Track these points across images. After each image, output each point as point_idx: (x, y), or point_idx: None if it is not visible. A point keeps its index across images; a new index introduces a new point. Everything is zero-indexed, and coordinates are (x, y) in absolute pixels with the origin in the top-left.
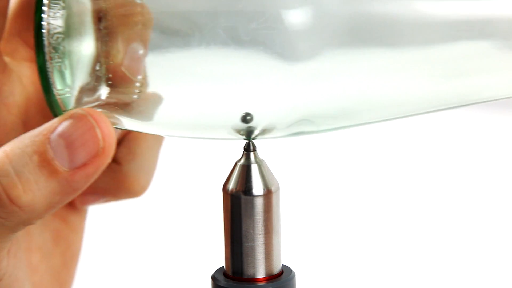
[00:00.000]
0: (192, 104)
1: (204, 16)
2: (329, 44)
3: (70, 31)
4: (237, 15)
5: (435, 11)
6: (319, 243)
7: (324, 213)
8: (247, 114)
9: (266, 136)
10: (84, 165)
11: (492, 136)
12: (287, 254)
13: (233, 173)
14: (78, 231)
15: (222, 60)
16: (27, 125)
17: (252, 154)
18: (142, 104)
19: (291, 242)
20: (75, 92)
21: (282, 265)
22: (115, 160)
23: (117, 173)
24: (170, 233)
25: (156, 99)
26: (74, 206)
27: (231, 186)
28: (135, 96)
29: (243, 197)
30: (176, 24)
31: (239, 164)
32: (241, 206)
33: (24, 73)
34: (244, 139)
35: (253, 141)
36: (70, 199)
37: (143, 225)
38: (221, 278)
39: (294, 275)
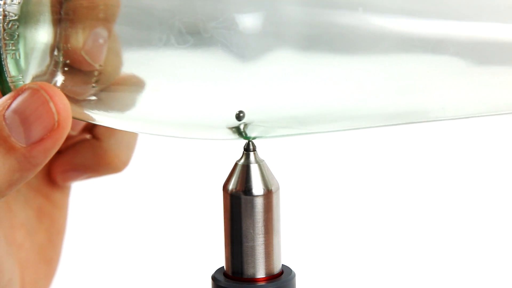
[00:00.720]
0: (148, 98)
1: (166, 11)
2: (280, 48)
3: (26, 18)
4: (198, 13)
5: (390, 25)
6: (319, 243)
7: (324, 213)
8: (240, 111)
9: (207, 137)
10: (41, 140)
11: (492, 136)
12: (287, 254)
13: (233, 173)
14: (61, 208)
15: (181, 57)
16: None
17: (252, 154)
18: (100, 96)
19: (291, 242)
20: (29, 79)
21: (282, 265)
22: (95, 136)
23: (97, 149)
24: (170, 233)
25: (117, 93)
26: (56, 183)
27: (231, 186)
28: (92, 85)
29: (243, 197)
30: (139, 17)
31: (239, 164)
32: (241, 206)
33: None
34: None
35: (253, 141)
36: (31, 175)
37: (143, 225)
38: (221, 278)
39: (294, 275)
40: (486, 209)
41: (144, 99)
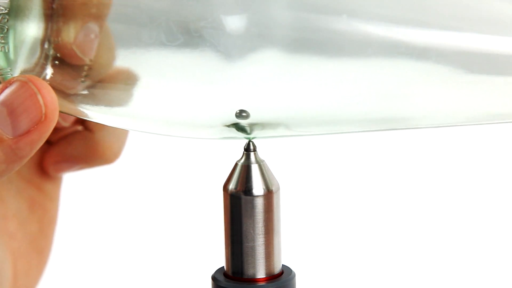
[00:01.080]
0: (138, 95)
1: (157, 10)
2: (267, 50)
3: (16, 11)
4: (188, 12)
5: (376, 30)
6: (319, 243)
7: (324, 213)
8: (242, 111)
9: (194, 136)
10: (27, 132)
11: (491, 137)
12: (287, 254)
13: (234, 173)
14: (53, 199)
15: (170, 55)
16: None
17: (252, 154)
18: (90, 90)
19: (291, 242)
20: (18, 72)
21: (282, 265)
22: (87, 128)
23: (90, 140)
24: (170, 233)
25: (107, 88)
26: (48, 174)
27: (231, 186)
28: (81, 80)
29: (243, 197)
30: (130, 14)
31: (239, 164)
32: (241, 206)
33: None
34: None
35: (253, 140)
36: (17, 167)
37: (143, 225)
38: (221, 278)
39: (294, 275)
40: (486, 209)
41: (134, 96)
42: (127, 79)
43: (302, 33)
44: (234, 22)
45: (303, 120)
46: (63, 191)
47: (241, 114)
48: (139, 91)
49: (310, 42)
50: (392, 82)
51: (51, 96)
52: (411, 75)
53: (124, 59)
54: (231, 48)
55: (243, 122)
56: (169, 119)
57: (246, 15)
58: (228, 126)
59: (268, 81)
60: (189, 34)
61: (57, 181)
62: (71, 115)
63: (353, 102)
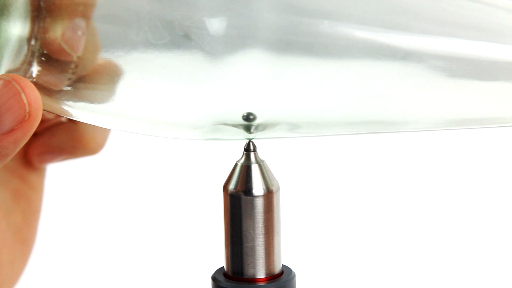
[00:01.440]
0: (123, 93)
1: (144, 7)
2: (250, 51)
3: (2, 9)
4: (174, 11)
5: (360, 32)
6: (319, 243)
7: (324, 213)
8: (250, 113)
9: (177, 137)
10: (11, 130)
11: (491, 137)
12: (287, 254)
13: (234, 173)
14: (37, 189)
15: (156, 53)
16: None
17: (252, 154)
18: (76, 86)
19: (291, 242)
20: (5, 70)
21: (282, 265)
22: (71, 119)
23: (74, 131)
24: (170, 233)
25: (92, 84)
26: (33, 165)
27: (231, 186)
28: (68, 77)
29: (243, 197)
30: (117, 11)
31: (239, 164)
32: (241, 207)
33: None
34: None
35: (253, 141)
36: (0, 165)
37: (143, 225)
38: (221, 278)
39: (294, 275)
40: (485, 209)
41: (118, 94)
42: (112, 75)
43: (286, 35)
44: (217, 23)
45: (288, 121)
46: (50, 182)
47: (248, 117)
48: (123, 89)
49: (294, 44)
50: (376, 84)
51: (35, 95)
52: (394, 77)
53: (110, 57)
54: (216, 48)
55: (235, 122)
56: (152, 118)
57: (229, 16)
58: (216, 127)
59: (251, 82)
60: (174, 33)
61: (41, 171)
62: (56, 113)
63: (337, 104)
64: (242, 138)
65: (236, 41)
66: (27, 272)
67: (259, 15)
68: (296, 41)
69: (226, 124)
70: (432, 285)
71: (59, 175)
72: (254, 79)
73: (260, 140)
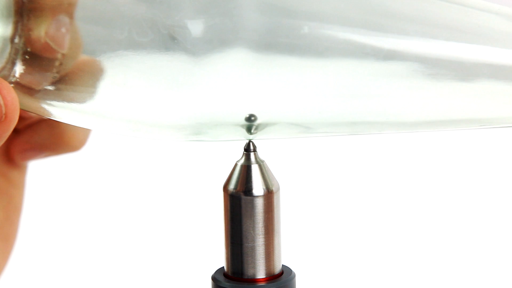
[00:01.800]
0: (105, 92)
1: (127, 5)
2: (233, 50)
3: None
4: (156, 9)
5: (342, 32)
6: (319, 243)
7: (324, 213)
8: (251, 115)
9: (155, 137)
10: None
11: (491, 138)
12: (287, 254)
13: (234, 173)
14: (19, 186)
15: (140, 52)
16: None
17: (252, 154)
18: (58, 86)
19: (291, 242)
20: None
21: (282, 265)
22: None
23: (55, 128)
24: (170, 233)
25: (75, 82)
26: (14, 162)
27: (231, 186)
28: (53, 75)
29: (243, 197)
30: (100, 8)
31: (239, 164)
32: (241, 207)
33: None
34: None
35: (253, 141)
36: None
37: (144, 225)
38: (221, 278)
39: (294, 276)
40: (484, 209)
41: (101, 93)
42: (95, 74)
43: (268, 35)
44: (199, 24)
45: (271, 121)
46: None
47: (250, 118)
48: (106, 88)
49: (276, 44)
50: (358, 84)
51: (12, 96)
52: (377, 77)
53: (93, 56)
54: (198, 48)
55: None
56: (134, 118)
57: (211, 16)
58: (196, 127)
59: (234, 82)
60: (158, 32)
61: (22, 168)
62: (37, 114)
63: (320, 103)
64: (235, 139)
65: (218, 41)
66: (8, 269)
67: (241, 15)
68: (278, 41)
69: (207, 125)
70: (432, 285)
71: (41, 172)
72: (237, 79)
73: (260, 140)
